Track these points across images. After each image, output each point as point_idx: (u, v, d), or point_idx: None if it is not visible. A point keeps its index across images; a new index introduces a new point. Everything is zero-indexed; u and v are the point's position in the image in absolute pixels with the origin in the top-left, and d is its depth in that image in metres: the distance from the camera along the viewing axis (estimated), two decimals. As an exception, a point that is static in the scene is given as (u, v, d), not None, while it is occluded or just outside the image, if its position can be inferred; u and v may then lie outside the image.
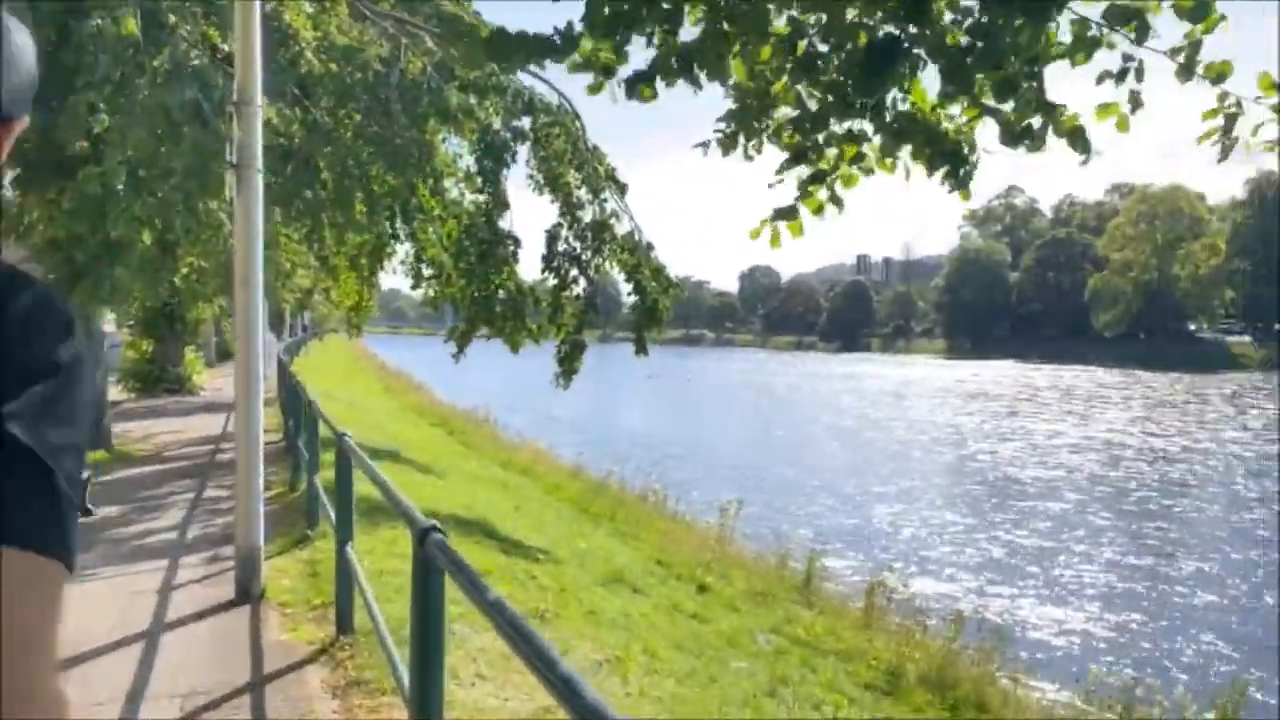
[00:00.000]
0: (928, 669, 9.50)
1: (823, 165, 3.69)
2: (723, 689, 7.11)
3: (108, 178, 9.47)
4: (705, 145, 3.92)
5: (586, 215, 13.30)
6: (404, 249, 16.48)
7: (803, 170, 3.70)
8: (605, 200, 13.30)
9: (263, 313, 6.32)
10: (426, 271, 16.32)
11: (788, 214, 3.87)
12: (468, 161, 14.48)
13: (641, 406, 51.22)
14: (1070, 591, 16.38)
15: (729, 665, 8.16)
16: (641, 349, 13.95)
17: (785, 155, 3.69)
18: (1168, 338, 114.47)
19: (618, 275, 13.59)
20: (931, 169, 3.45)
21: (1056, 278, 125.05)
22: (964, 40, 3.06)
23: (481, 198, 13.18)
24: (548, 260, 13.48)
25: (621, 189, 13.50)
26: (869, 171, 3.69)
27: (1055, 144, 3.29)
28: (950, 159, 3.37)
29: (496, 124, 12.84)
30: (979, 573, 17.43)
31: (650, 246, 13.68)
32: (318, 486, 7.79)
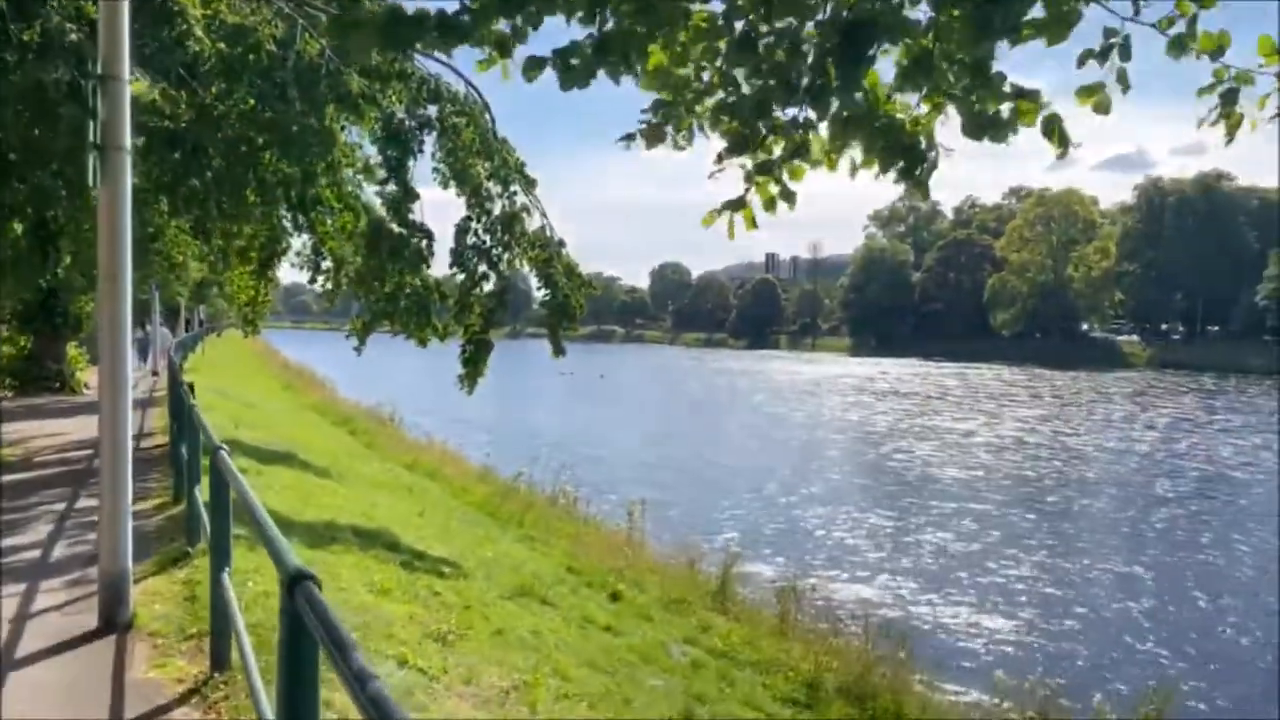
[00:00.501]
0: (845, 679, 9.30)
1: (765, 155, 3.34)
2: (636, 712, 6.72)
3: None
4: (630, 138, 3.55)
5: (496, 209, 12.78)
6: (300, 241, 15.72)
7: (747, 161, 3.36)
8: (515, 194, 12.80)
9: (130, 309, 5.68)
10: (325, 264, 15.59)
11: (737, 205, 3.56)
12: (369, 151, 13.82)
13: (553, 405, 50.63)
14: (987, 593, 16.47)
15: (644, 684, 7.78)
16: (558, 349, 13.50)
17: (722, 144, 3.32)
18: (1062, 337, 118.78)
19: (528, 272, 13.08)
20: (885, 165, 3.12)
21: (957, 277, 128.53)
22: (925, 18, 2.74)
23: (389, 189, 12.51)
24: (457, 255, 12.89)
25: (530, 183, 13.00)
26: (814, 163, 3.34)
27: (1024, 136, 3.00)
28: (906, 154, 3.04)
29: (400, 113, 12.21)
30: (895, 575, 17.44)
31: (561, 243, 13.21)
32: (198, 501, 7.14)
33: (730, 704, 8.06)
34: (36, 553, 7.67)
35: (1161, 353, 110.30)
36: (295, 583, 2.40)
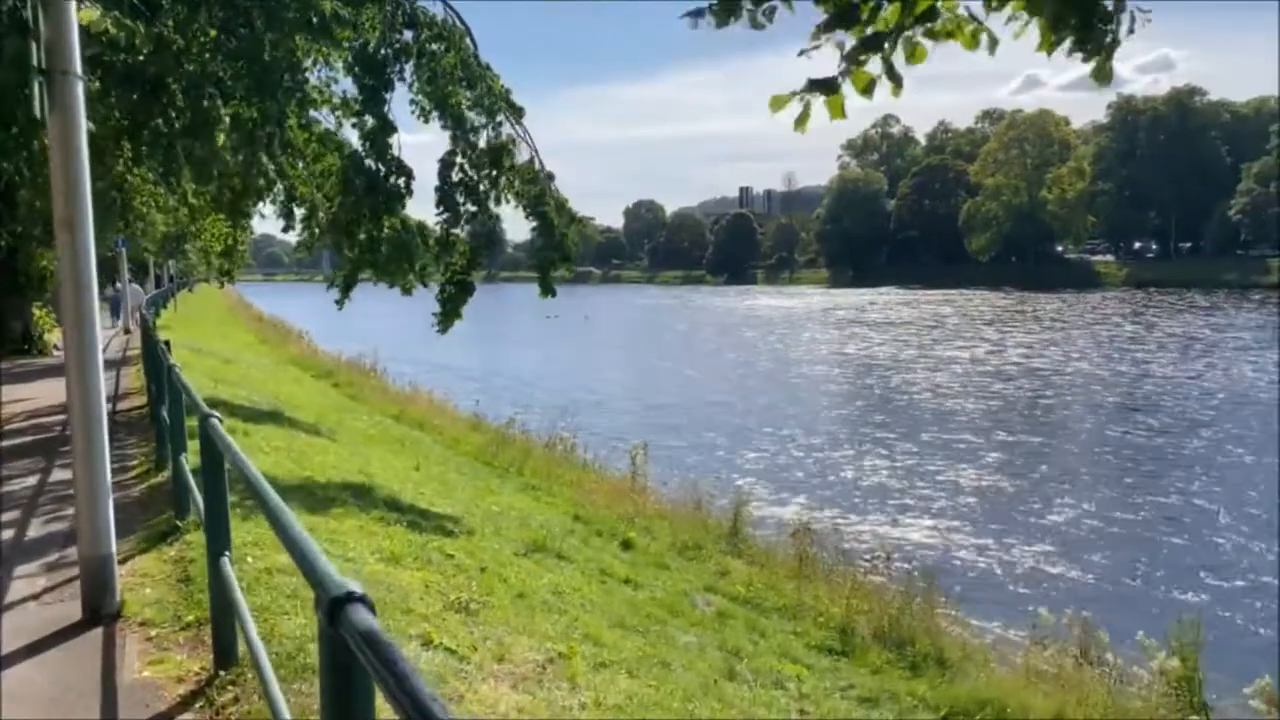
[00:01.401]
0: (878, 622, 8.86)
1: (878, 27, 2.68)
2: (678, 678, 6.22)
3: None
4: (697, 15, 2.86)
5: (481, 141, 11.96)
6: (273, 188, 14.82)
7: (849, 37, 2.69)
8: (501, 124, 11.97)
9: (93, 261, 4.97)
10: (299, 212, 14.73)
11: (826, 87, 2.85)
12: (343, 86, 12.92)
13: (540, 349, 49.69)
14: (1013, 525, 15.97)
15: (677, 642, 7.29)
16: (548, 290, 12.79)
17: (822, 16, 2.66)
18: (1037, 259, 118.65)
19: (516, 209, 12.31)
20: (1058, 33, 2.45)
21: (932, 204, 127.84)
22: None
23: (365, 121, 11.63)
24: (442, 193, 12.07)
25: (518, 112, 12.16)
26: (943, 35, 2.68)
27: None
28: (1084, 9, 2.38)
29: (374, 40, 11.29)
30: (912, 510, 16.94)
31: (551, 176, 12.42)
32: (185, 470, 6.49)
33: (767, 657, 7.59)
34: (9, 534, 7.01)
35: (1137, 271, 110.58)
36: (340, 606, 1.78)
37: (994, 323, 61.55)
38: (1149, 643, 8.33)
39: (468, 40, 11.68)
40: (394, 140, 11.80)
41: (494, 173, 11.95)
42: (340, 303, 15.41)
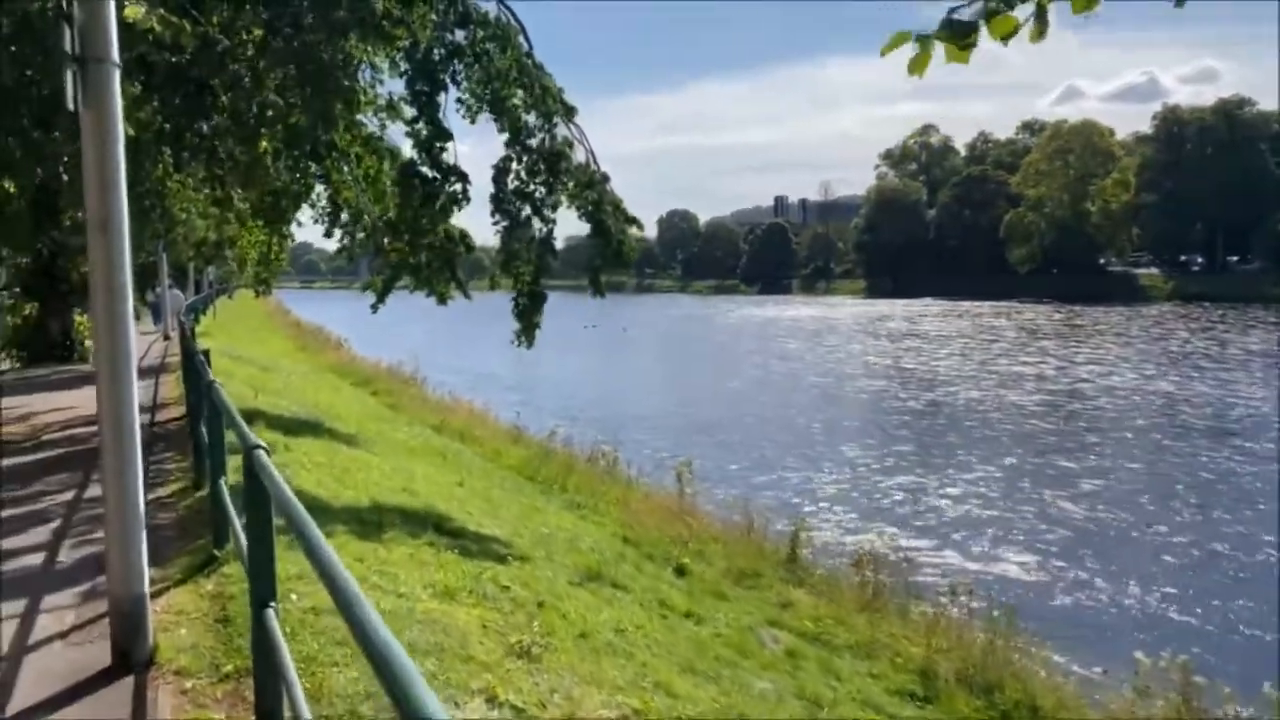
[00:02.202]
0: (962, 664, 8.21)
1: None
2: (762, 732, 5.63)
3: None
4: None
5: (535, 144, 11.44)
6: (314, 193, 14.42)
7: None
8: (556, 126, 11.45)
9: (128, 263, 4.48)
10: (342, 218, 14.33)
11: (962, 29, 2.46)
12: (391, 87, 12.49)
13: (579, 359, 48.69)
14: (1096, 554, 14.90)
15: (752, 689, 6.70)
16: (599, 291, 12.27)
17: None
18: (1080, 272, 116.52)
19: (569, 209, 11.78)
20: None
21: (972, 215, 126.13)
22: None
23: (419, 128, 11.16)
24: (497, 200, 11.58)
25: (570, 111, 11.65)
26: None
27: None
28: None
29: (427, 40, 10.84)
30: (981, 536, 15.95)
31: (606, 177, 11.89)
32: (225, 496, 6.00)
33: (848, 705, 6.99)
34: (39, 557, 6.57)
35: (1182, 285, 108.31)
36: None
37: (1054, 336, 59.22)
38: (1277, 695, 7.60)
39: (521, 39, 11.20)
40: (449, 146, 11.35)
41: (550, 177, 11.45)
42: (375, 307, 15.07)
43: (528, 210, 11.64)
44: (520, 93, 11.15)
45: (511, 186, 11.50)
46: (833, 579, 11.37)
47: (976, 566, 13.86)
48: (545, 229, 11.94)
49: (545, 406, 28.47)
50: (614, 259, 11.75)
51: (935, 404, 32.41)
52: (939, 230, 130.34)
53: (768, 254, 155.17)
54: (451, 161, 11.38)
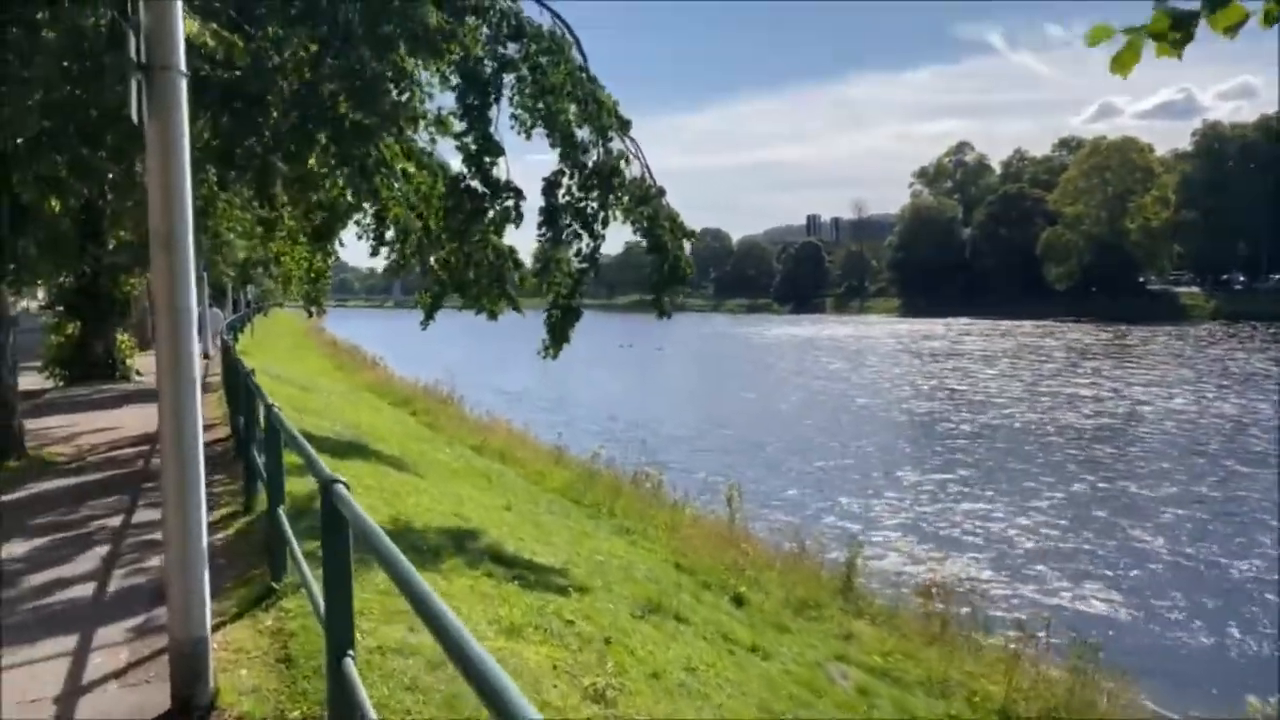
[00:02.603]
0: (1047, 706, 7.76)
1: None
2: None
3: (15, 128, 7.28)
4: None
5: (590, 159, 11.17)
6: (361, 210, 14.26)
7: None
8: (611, 140, 11.18)
9: (193, 281, 4.24)
10: (389, 234, 14.14)
11: (1181, 22, 2.23)
12: (440, 102, 12.29)
13: (617, 379, 48.07)
14: (1185, 586, 14.14)
15: (833, 732, 6.31)
16: (663, 311, 11.95)
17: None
18: (1119, 290, 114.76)
19: (624, 224, 11.49)
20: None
21: (1009, 233, 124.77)
22: None
23: (468, 141, 10.94)
24: (547, 214, 11.32)
25: (625, 125, 11.37)
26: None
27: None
28: None
29: (478, 52, 10.63)
30: (1052, 565, 15.17)
31: (662, 191, 11.58)
32: (284, 524, 5.73)
33: (931, 751, 6.57)
34: (89, 588, 6.33)
35: (1225, 303, 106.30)
36: None
37: (1104, 356, 57.15)
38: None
39: (575, 52, 10.96)
40: (501, 161, 11.13)
41: (602, 192, 11.17)
42: (425, 324, 14.95)
43: (577, 225, 11.36)
44: (573, 107, 10.90)
45: (562, 200, 11.23)
46: (894, 609, 10.94)
47: (1048, 598, 13.23)
48: (592, 244, 11.66)
49: (584, 426, 28.18)
50: (671, 275, 11.42)
51: (991, 426, 31.16)
52: (974, 248, 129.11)
53: (801, 272, 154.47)
54: (503, 178, 11.16)
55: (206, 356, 27.91)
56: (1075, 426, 30.64)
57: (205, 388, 20.27)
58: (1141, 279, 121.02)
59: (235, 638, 5.22)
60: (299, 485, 7.59)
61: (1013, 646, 9.18)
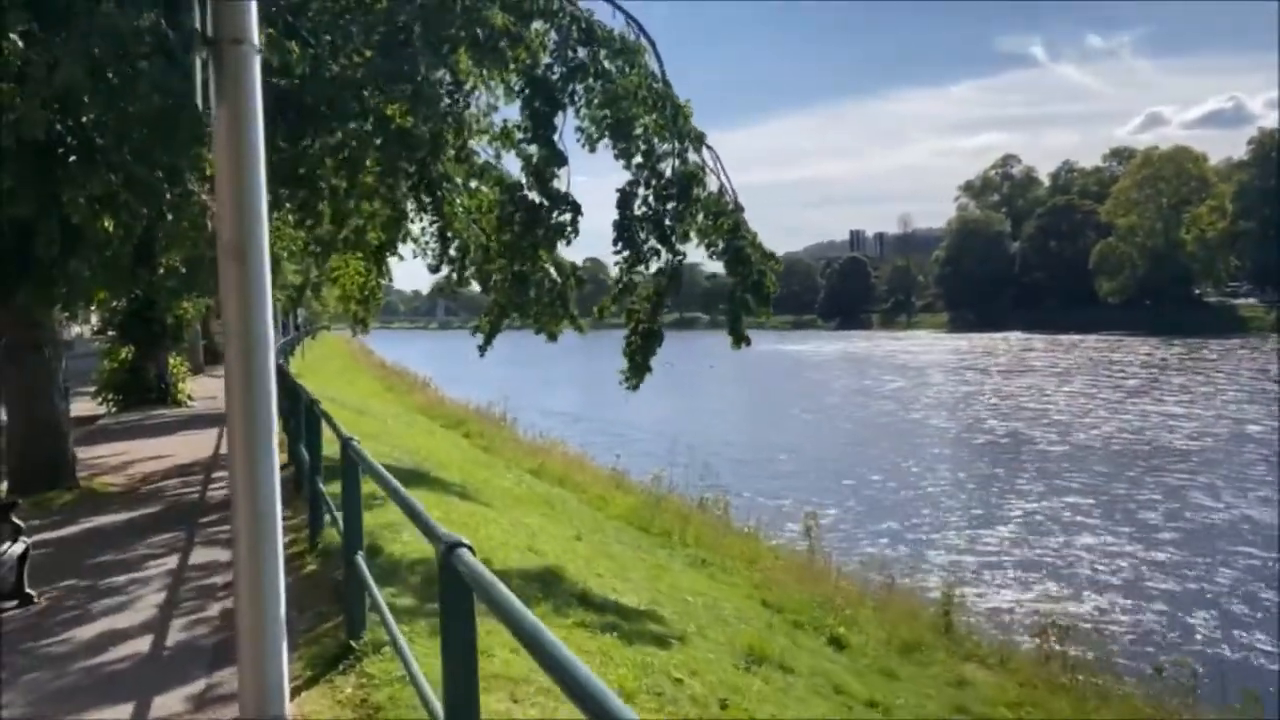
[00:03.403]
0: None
1: None
2: None
3: (24, 126, 6.73)
4: None
5: (667, 170, 10.48)
6: (418, 226, 13.65)
7: None
8: (686, 150, 10.48)
9: (269, 301, 3.57)
10: (450, 251, 13.53)
11: None
12: (503, 114, 11.69)
13: (671, 398, 46.51)
14: None
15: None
16: (740, 338, 11.17)
17: None
18: (1174, 303, 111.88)
19: (699, 247, 10.79)
20: None
21: (1059, 246, 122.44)
22: None
23: (531, 150, 10.30)
24: (621, 228, 10.62)
25: (699, 137, 10.67)
26: None
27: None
28: None
29: (546, 58, 10.00)
30: (1185, 603, 13.72)
31: (741, 207, 10.86)
32: (365, 574, 5.03)
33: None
34: (145, 642, 5.68)
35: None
36: None
37: (1183, 371, 53.97)
38: None
39: (649, 57, 10.28)
40: (563, 173, 10.47)
41: (681, 205, 10.45)
42: (483, 349, 14.19)
43: (653, 240, 10.62)
44: (647, 115, 10.17)
45: (638, 212, 10.51)
46: (1005, 651, 10.02)
47: (1186, 641, 12.11)
48: (673, 260, 10.91)
49: (641, 447, 27.39)
50: (754, 291, 10.65)
51: (1084, 447, 29.06)
52: (1024, 261, 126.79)
53: (846, 288, 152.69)
54: (564, 189, 10.49)
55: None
56: (1177, 449, 28.34)
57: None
58: (1197, 291, 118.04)
59: (312, 710, 4.53)
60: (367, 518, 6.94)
61: (1150, 692, 8.25)
